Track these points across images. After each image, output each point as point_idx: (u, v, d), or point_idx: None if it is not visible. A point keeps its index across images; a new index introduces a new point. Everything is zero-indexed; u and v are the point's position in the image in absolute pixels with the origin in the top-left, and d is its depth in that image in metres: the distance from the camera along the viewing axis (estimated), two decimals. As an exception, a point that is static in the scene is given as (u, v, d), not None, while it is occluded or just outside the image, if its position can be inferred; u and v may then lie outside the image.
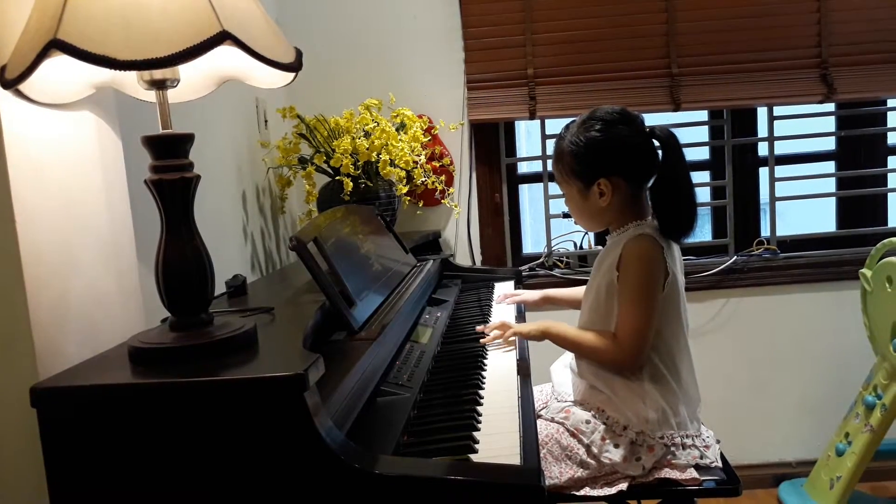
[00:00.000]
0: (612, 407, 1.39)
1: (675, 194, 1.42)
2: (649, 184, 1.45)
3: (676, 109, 2.30)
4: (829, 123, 2.51)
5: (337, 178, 1.92)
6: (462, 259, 2.45)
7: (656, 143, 1.43)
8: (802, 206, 2.51)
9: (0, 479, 0.91)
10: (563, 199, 1.54)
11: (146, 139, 0.91)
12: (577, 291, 1.78)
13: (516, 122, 2.53)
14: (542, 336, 1.47)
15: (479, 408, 1.14)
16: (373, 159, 1.93)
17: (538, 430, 1.42)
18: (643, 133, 1.43)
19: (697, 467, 1.36)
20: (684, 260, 1.50)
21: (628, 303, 1.37)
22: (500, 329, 1.49)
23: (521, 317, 1.75)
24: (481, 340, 1.49)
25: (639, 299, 1.37)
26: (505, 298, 1.85)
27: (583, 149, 1.42)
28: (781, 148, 2.45)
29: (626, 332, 1.37)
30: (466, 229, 2.45)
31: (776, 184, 2.43)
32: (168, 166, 0.90)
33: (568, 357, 1.55)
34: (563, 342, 1.47)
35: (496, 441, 1.01)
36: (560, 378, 1.56)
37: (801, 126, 2.46)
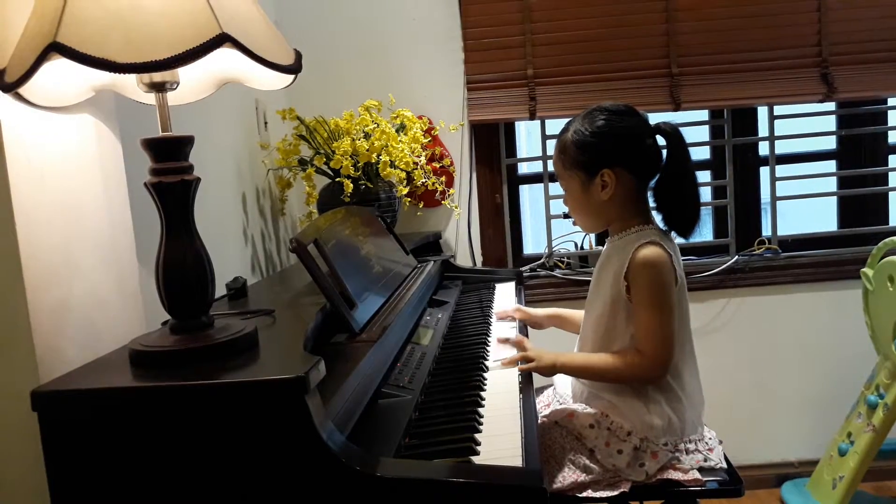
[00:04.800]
0: (615, 412, 1.37)
1: (681, 190, 1.40)
2: (652, 182, 1.44)
3: (677, 109, 2.30)
4: (830, 122, 2.50)
5: (337, 179, 1.92)
6: (462, 260, 2.45)
7: (662, 138, 1.42)
8: (803, 206, 2.51)
9: (1, 482, 0.91)
10: (563, 198, 1.52)
11: (146, 142, 0.90)
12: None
13: (516, 123, 2.53)
14: (555, 372, 1.40)
15: (480, 409, 1.13)
16: (373, 160, 1.93)
17: (541, 433, 1.41)
18: (649, 127, 1.42)
19: (700, 469, 1.36)
20: (685, 260, 1.49)
21: (648, 312, 1.33)
22: (520, 356, 1.38)
23: (523, 328, 1.70)
24: (500, 362, 1.39)
25: (658, 307, 1.33)
26: (506, 316, 1.74)
27: (588, 138, 1.40)
28: (782, 147, 2.45)
29: (652, 343, 1.33)
30: (467, 230, 2.45)
31: (777, 183, 2.43)
32: (168, 169, 0.90)
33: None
34: (581, 372, 1.42)
35: (498, 443, 1.01)
36: (562, 381, 1.55)
37: (802, 125, 2.46)
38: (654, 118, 1.46)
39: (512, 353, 1.42)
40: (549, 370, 1.38)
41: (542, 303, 2.35)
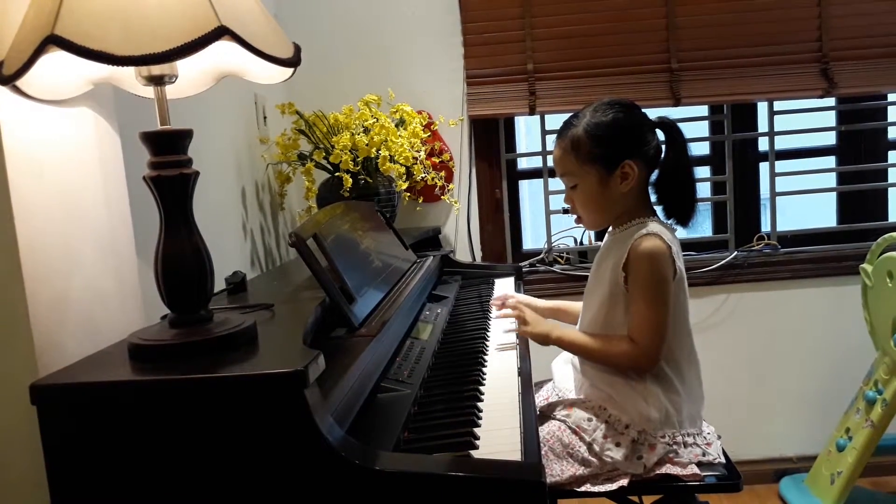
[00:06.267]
0: (613, 405, 1.38)
1: (682, 181, 1.42)
2: (652, 177, 1.45)
3: (676, 104, 2.30)
4: (830, 118, 2.50)
5: (336, 174, 1.91)
6: (462, 255, 2.45)
7: (662, 132, 1.43)
8: (803, 202, 2.51)
9: (0, 476, 0.91)
10: (565, 197, 1.50)
11: (144, 135, 0.90)
12: None
13: (516, 118, 2.53)
14: (549, 342, 1.43)
15: (479, 404, 1.13)
16: (372, 155, 1.92)
17: (540, 427, 1.42)
18: (651, 121, 1.44)
19: (699, 463, 1.36)
20: (684, 255, 1.49)
21: (643, 303, 1.35)
22: (514, 314, 1.46)
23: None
24: (493, 311, 1.60)
25: (653, 298, 1.34)
26: (506, 306, 1.70)
27: (606, 131, 1.39)
28: (782, 143, 2.45)
29: (644, 333, 1.34)
30: (466, 225, 2.45)
31: (777, 179, 2.43)
32: (167, 162, 0.90)
33: (569, 353, 1.53)
34: (574, 348, 1.44)
35: (497, 437, 1.01)
36: (561, 375, 1.55)
37: (802, 121, 2.45)
38: (654, 113, 1.46)
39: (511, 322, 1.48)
40: (544, 338, 1.42)
41: (541, 298, 2.35)
